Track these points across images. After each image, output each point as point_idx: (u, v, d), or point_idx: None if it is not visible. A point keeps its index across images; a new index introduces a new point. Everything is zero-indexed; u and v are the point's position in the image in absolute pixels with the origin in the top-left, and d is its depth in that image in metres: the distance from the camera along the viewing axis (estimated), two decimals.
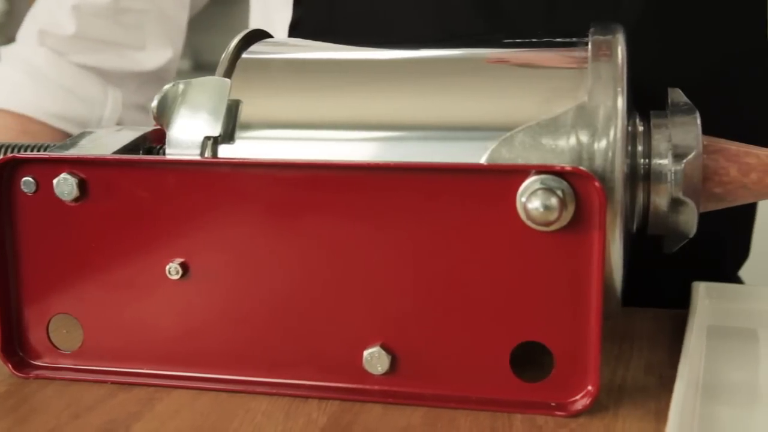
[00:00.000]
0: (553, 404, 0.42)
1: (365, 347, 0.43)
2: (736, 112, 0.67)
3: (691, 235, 0.47)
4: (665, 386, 0.44)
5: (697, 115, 0.46)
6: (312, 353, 0.44)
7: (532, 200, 0.40)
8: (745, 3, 0.66)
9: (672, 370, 0.44)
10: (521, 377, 0.43)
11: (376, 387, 0.44)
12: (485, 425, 0.41)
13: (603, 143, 0.41)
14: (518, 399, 0.43)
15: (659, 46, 0.62)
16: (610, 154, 0.41)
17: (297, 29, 0.71)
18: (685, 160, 0.44)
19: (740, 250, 0.76)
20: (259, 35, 0.51)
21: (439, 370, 0.43)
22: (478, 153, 0.43)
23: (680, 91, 0.48)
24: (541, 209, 0.40)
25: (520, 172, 0.41)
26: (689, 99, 0.47)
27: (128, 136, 0.51)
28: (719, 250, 0.73)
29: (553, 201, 0.40)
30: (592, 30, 0.45)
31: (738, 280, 0.79)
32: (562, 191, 0.40)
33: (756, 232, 0.76)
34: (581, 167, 0.40)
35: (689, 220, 0.46)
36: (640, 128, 0.46)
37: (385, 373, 0.43)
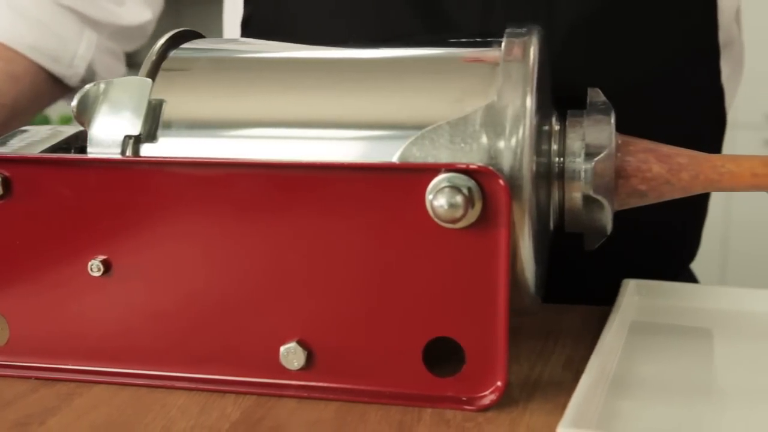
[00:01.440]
0: (464, 399, 0.43)
1: (282, 343, 0.44)
2: (681, 113, 0.67)
3: (608, 233, 0.47)
4: None
5: (612, 114, 0.46)
6: (230, 349, 0.45)
7: (439, 198, 0.41)
8: (691, 4, 0.66)
9: None
10: (438, 373, 0.43)
11: (293, 382, 0.44)
12: (394, 419, 0.42)
13: (511, 142, 0.42)
14: (430, 394, 0.43)
15: (596, 47, 0.63)
16: (518, 152, 0.42)
17: (248, 27, 0.72)
18: (595, 159, 0.45)
19: (690, 245, 0.76)
20: (189, 35, 0.52)
21: (354, 366, 0.44)
22: (391, 151, 0.43)
23: (599, 90, 0.48)
24: (446, 207, 0.40)
25: (430, 171, 0.41)
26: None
27: (60, 134, 0.52)
28: (668, 246, 0.73)
29: (458, 199, 0.40)
30: (508, 31, 0.46)
31: (690, 274, 0.79)
32: (469, 189, 0.41)
33: (737, 232, 0.76)
34: (489, 166, 0.41)
35: (603, 218, 0.46)
36: (557, 127, 0.47)
37: (302, 369, 0.44)
